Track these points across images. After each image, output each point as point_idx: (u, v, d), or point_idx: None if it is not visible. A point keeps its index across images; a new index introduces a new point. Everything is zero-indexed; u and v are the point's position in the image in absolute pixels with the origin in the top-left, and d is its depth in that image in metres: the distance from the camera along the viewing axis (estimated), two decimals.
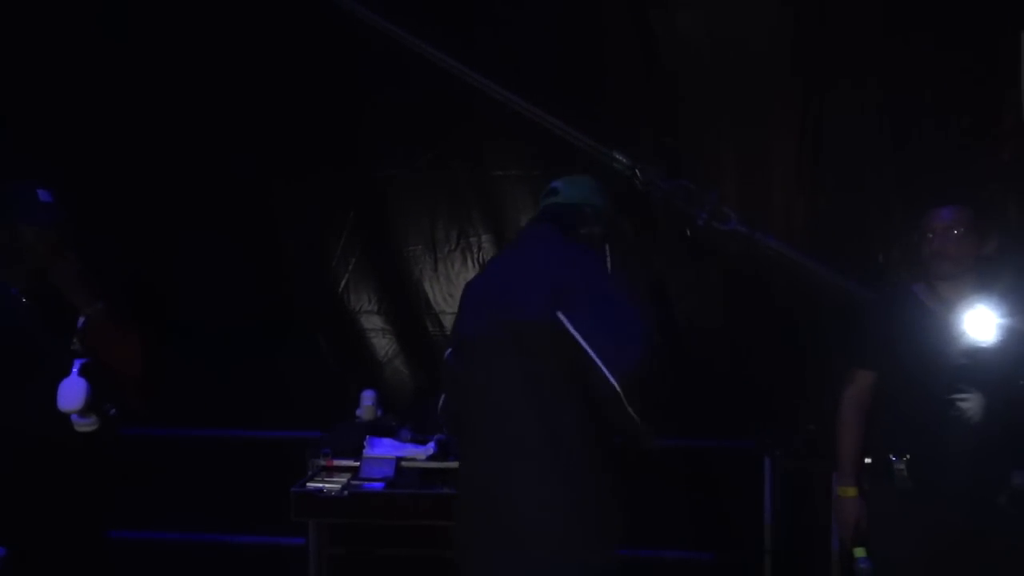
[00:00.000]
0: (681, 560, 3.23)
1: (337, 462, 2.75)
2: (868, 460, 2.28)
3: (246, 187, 3.33)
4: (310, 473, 2.71)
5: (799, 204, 3.29)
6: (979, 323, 2.09)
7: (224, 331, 3.33)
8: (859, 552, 2.27)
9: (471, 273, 3.36)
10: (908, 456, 2.12)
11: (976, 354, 2.09)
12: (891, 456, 2.16)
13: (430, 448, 2.75)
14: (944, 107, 3.07)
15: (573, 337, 1.71)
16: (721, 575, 3.21)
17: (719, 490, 3.13)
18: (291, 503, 2.60)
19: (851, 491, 2.28)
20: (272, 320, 3.39)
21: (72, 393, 2.16)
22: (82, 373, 2.19)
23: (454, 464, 2.68)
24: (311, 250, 3.43)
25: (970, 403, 2.08)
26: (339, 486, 2.61)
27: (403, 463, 2.70)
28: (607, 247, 1.97)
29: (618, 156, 2.80)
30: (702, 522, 3.17)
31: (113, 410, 2.29)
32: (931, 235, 2.18)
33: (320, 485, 2.63)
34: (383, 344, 3.36)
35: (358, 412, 3.01)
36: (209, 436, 3.53)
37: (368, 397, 3.01)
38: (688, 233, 3.21)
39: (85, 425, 2.25)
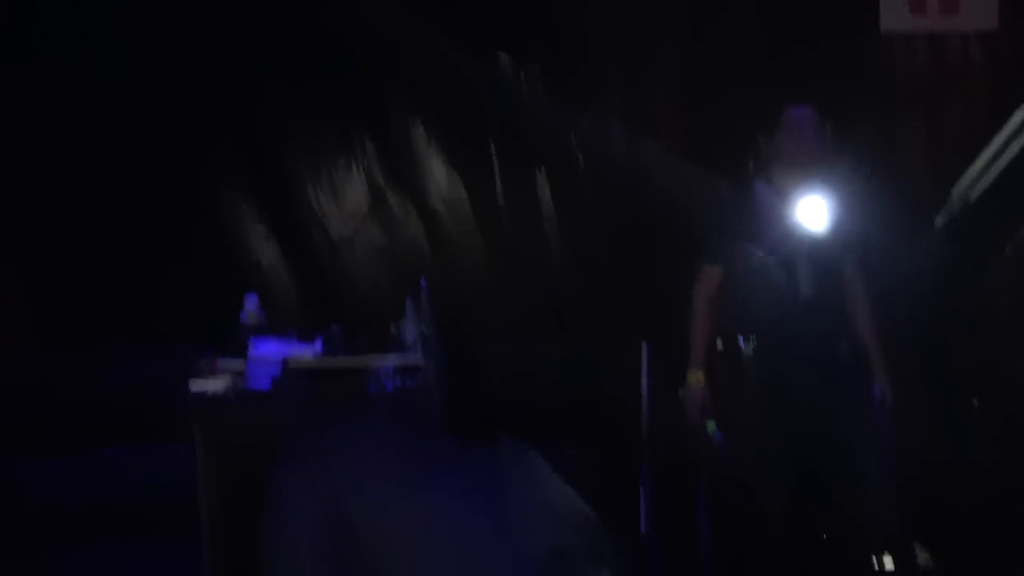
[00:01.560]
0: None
1: (221, 364, 2.69)
2: (720, 344, 2.48)
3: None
4: (194, 376, 2.65)
5: (681, 120, 3.41)
6: (811, 212, 2.30)
7: (101, 239, 3.18)
8: (711, 427, 2.49)
9: (355, 180, 3.32)
10: (754, 338, 2.33)
11: (810, 240, 2.30)
12: (739, 339, 2.37)
13: (317, 347, 2.74)
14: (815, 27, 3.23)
15: None
16: (599, 467, 3.39)
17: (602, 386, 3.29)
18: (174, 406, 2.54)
19: (698, 376, 2.46)
20: (151, 229, 3.26)
21: None
22: None
23: (342, 361, 2.70)
24: (192, 156, 3.29)
25: (805, 285, 2.28)
26: (223, 387, 2.57)
27: (290, 363, 2.67)
28: None
29: (502, 57, 2.81)
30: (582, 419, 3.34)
31: None
32: (786, 132, 2.35)
33: (204, 388, 2.58)
34: (266, 249, 3.29)
35: (242, 317, 2.94)
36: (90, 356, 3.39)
37: (251, 301, 2.93)
38: (572, 141, 3.30)
39: None
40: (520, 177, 3.38)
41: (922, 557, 2.92)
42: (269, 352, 2.71)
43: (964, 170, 3.15)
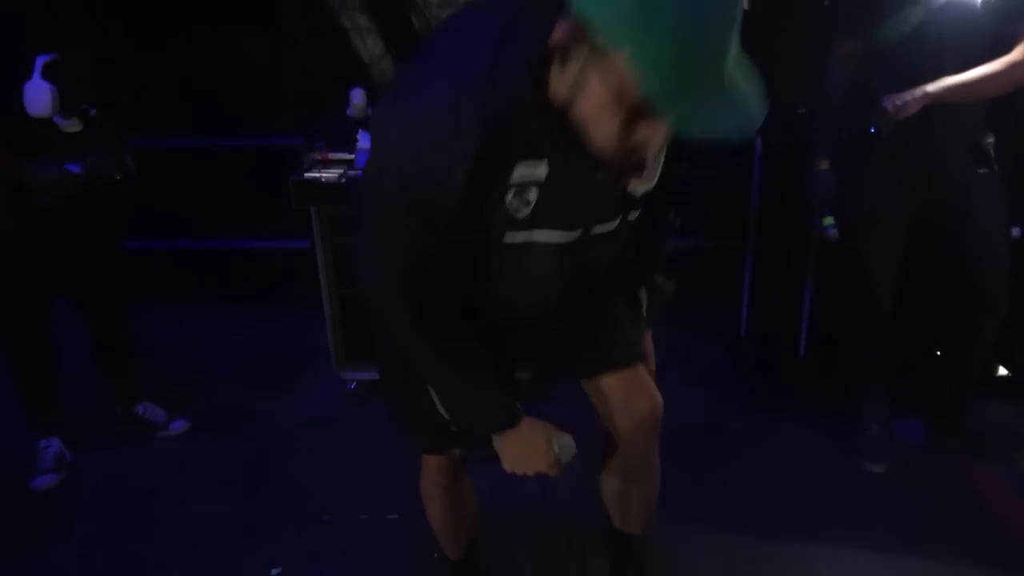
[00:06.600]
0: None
1: (332, 155, 2.77)
2: (849, 132, 2.27)
3: None
4: (306, 165, 2.74)
5: None
6: None
7: (205, 31, 3.22)
8: (827, 221, 2.38)
9: None
10: (888, 123, 2.08)
11: (963, 14, 2.00)
12: (871, 128, 2.15)
13: None
14: None
15: None
16: (707, 259, 3.37)
17: (707, 178, 3.19)
18: (290, 191, 2.65)
19: (823, 164, 2.32)
20: (252, 24, 3.27)
21: (38, 96, 2.09)
22: (46, 75, 2.09)
23: None
24: None
25: (953, 69, 2.03)
26: (336, 175, 2.65)
27: None
28: None
29: None
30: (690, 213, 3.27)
31: (93, 110, 2.24)
32: None
33: (317, 175, 2.67)
34: (370, 43, 3.24)
35: (348, 111, 2.98)
36: (200, 146, 3.55)
37: (357, 94, 2.96)
38: None
39: (68, 127, 2.21)
40: None
41: None
42: None
43: None
